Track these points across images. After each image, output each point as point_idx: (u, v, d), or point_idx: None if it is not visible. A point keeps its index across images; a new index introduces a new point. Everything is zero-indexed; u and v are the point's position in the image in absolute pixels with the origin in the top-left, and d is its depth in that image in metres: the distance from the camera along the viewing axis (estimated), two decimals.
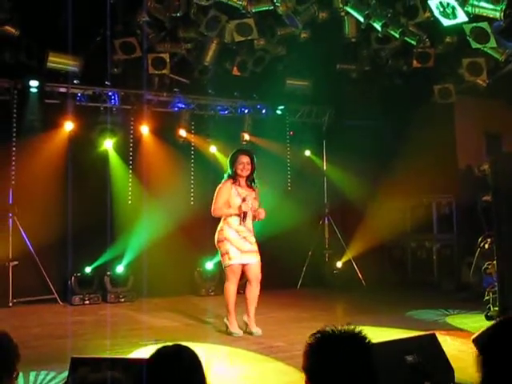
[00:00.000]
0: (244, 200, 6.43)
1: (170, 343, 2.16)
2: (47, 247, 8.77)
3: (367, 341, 1.92)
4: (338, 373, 1.84)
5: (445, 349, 4.14)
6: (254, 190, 6.64)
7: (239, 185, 6.57)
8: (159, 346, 2.15)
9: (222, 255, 6.53)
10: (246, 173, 6.55)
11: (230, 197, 6.51)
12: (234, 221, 6.48)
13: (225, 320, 6.65)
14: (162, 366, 2.05)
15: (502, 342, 1.95)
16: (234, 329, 6.53)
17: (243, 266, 6.51)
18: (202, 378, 2.08)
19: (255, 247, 6.58)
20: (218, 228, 6.57)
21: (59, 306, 8.77)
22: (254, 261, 6.52)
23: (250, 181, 6.64)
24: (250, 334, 6.52)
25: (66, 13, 7.06)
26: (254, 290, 6.56)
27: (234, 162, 6.57)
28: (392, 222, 10.47)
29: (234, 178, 6.56)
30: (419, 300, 8.66)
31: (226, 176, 6.66)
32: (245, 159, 6.56)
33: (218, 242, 6.52)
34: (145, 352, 5.24)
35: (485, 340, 2.02)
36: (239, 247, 6.43)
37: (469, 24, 7.07)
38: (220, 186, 6.59)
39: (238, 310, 6.70)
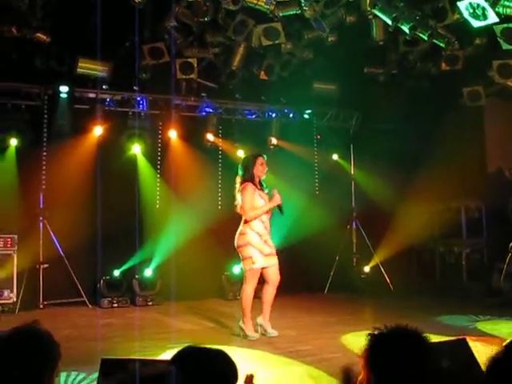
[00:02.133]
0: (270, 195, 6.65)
1: (206, 346, 2.14)
2: (77, 250, 8.86)
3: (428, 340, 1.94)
4: (402, 370, 1.84)
5: (475, 354, 4.06)
6: (273, 200, 6.70)
7: (257, 187, 6.66)
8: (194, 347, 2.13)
9: (244, 259, 6.59)
10: (263, 173, 6.75)
11: (254, 200, 6.59)
12: (257, 224, 6.55)
13: (240, 323, 6.69)
14: (195, 369, 2.03)
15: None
16: (250, 332, 6.58)
17: (263, 268, 6.58)
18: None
19: (274, 250, 6.70)
20: (239, 232, 6.64)
21: (88, 309, 8.86)
22: (273, 263, 6.62)
23: (260, 183, 6.78)
24: (264, 335, 6.56)
25: (95, 19, 7.14)
26: (270, 292, 6.66)
27: (253, 165, 6.69)
28: (420, 227, 10.36)
29: (252, 180, 6.64)
30: (448, 305, 8.53)
31: (243, 177, 6.70)
32: (264, 161, 6.75)
33: (240, 246, 6.59)
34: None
35: None
36: (261, 251, 6.52)
37: (499, 25, 6.97)
38: (243, 189, 6.61)
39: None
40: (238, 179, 6.76)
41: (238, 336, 6.71)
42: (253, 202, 6.56)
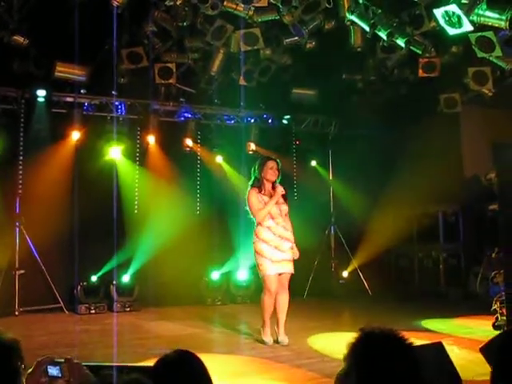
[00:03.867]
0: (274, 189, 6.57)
1: (175, 350, 2.14)
2: (53, 256, 8.80)
3: (409, 342, 1.94)
4: (384, 372, 1.85)
5: (452, 358, 4.11)
6: (275, 194, 6.58)
7: (264, 192, 6.59)
8: (164, 353, 2.13)
9: (257, 266, 6.58)
10: (274, 178, 6.62)
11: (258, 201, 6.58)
12: (263, 232, 6.48)
13: (260, 327, 6.67)
14: (167, 372, 2.04)
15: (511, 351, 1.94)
16: (266, 337, 6.56)
17: (278, 274, 6.49)
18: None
19: (288, 255, 6.54)
20: (252, 240, 6.61)
21: (65, 315, 8.78)
22: (286, 270, 6.52)
23: (273, 185, 6.63)
24: (277, 342, 6.52)
25: (74, 23, 7.12)
26: (281, 299, 6.56)
27: (262, 168, 6.61)
28: (398, 232, 10.44)
29: (260, 183, 6.60)
30: (426, 309, 8.62)
31: (250, 183, 6.68)
32: (274, 165, 6.64)
33: (254, 254, 6.56)
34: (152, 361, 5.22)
35: (494, 350, 2.00)
36: (270, 257, 6.42)
37: (474, 33, 7.08)
38: (248, 195, 6.59)
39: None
40: (249, 185, 6.73)
41: (224, 341, 6.70)
42: (258, 203, 6.51)
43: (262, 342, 6.54)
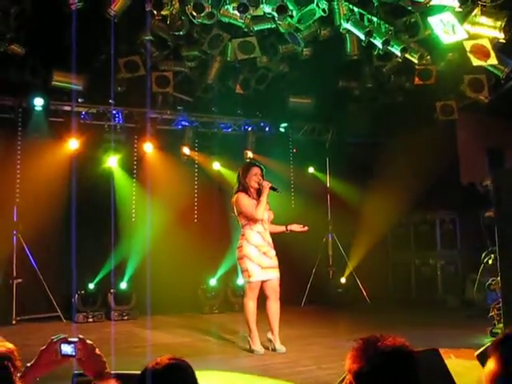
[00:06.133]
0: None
1: (165, 357, 2.13)
2: (51, 264, 8.81)
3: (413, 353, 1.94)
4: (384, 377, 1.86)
5: (449, 365, 4.11)
6: (264, 190, 6.52)
7: (251, 197, 6.55)
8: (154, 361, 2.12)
9: (242, 272, 6.53)
10: (257, 185, 6.54)
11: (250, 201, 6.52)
12: (254, 236, 6.44)
13: (248, 337, 6.57)
14: (156, 380, 2.03)
15: (505, 356, 1.94)
16: (256, 346, 6.45)
17: (263, 282, 6.46)
18: None
19: (275, 262, 6.52)
20: (238, 245, 6.53)
21: (63, 324, 8.76)
22: (273, 276, 6.48)
23: (260, 195, 6.56)
24: (274, 350, 6.45)
25: (71, 32, 7.14)
26: (273, 306, 6.50)
27: (247, 175, 6.56)
28: (396, 239, 10.46)
29: (245, 190, 6.54)
30: (424, 317, 8.61)
31: (236, 189, 6.63)
32: (258, 171, 6.59)
33: (238, 259, 6.49)
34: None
35: (489, 356, 1.99)
36: (259, 263, 6.38)
37: (469, 41, 7.12)
38: (236, 200, 6.52)
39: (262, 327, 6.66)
40: (233, 191, 6.67)
41: (221, 349, 6.68)
42: (251, 203, 6.45)
43: (252, 352, 6.43)
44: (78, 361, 2.34)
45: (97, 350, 2.38)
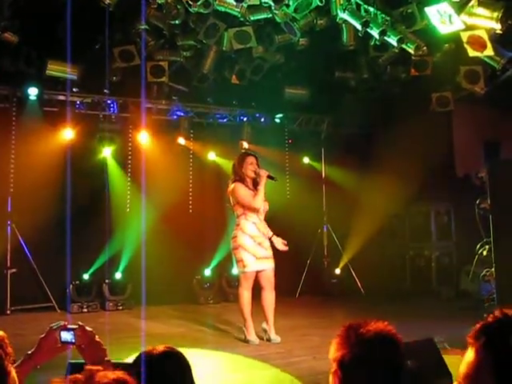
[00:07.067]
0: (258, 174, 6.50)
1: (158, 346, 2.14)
2: (46, 254, 8.76)
3: (396, 338, 1.92)
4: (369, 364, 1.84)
5: (444, 355, 4.13)
6: (261, 178, 6.56)
7: (249, 188, 6.55)
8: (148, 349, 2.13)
9: (237, 262, 6.54)
10: (254, 174, 6.56)
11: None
12: (249, 227, 6.46)
13: (242, 327, 6.61)
14: (150, 367, 2.03)
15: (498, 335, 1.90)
16: (251, 336, 6.48)
17: (257, 272, 6.48)
18: (190, 381, 2.08)
19: (270, 252, 6.57)
20: (232, 235, 6.56)
21: (57, 314, 8.72)
22: (268, 266, 6.52)
23: (256, 184, 6.57)
24: (269, 341, 6.48)
25: (66, 21, 7.08)
26: (269, 296, 6.54)
27: (243, 164, 6.56)
28: (390, 230, 10.48)
29: (242, 180, 6.54)
30: (418, 308, 8.66)
31: (230, 180, 6.65)
32: (254, 160, 6.60)
33: (233, 249, 6.52)
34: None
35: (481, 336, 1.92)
36: (254, 253, 6.41)
37: (466, 31, 7.11)
38: (233, 190, 6.52)
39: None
40: (229, 182, 6.67)
41: (217, 339, 6.71)
42: (248, 192, 6.45)
43: (247, 342, 6.47)
44: (77, 348, 2.34)
45: (97, 338, 2.37)
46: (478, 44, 7.26)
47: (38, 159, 8.84)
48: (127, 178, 9.95)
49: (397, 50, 8.29)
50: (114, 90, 9.50)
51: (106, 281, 9.27)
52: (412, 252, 10.72)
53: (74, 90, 9.36)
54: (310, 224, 10.78)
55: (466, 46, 7.32)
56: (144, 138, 9.89)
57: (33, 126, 8.92)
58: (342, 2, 7.45)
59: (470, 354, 1.82)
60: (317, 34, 8.54)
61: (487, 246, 7.64)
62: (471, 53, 7.41)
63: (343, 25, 8.18)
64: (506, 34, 7.00)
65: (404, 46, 8.03)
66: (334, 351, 1.88)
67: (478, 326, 1.86)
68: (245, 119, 10.83)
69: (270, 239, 6.67)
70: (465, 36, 7.21)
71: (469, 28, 6.99)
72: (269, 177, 6.54)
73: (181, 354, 2.13)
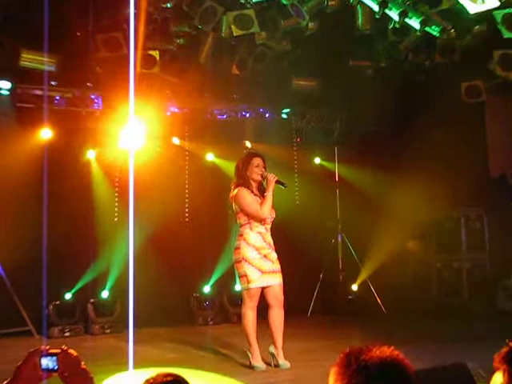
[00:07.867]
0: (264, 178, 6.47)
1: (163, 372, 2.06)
2: (21, 272, 8.66)
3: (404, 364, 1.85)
4: None
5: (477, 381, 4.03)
6: (269, 183, 6.51)
7: (253, 192, 6.51)
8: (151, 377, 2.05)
9: (240, 277, 6.46)
10: (260, 178, 6.53)
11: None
12: (253, 237, 6.40)
13: (247, 351, 6.54)
14: None
15: None
16: (256, 361, 6.41)
17: (263, 288, 6.41)
18: None
19: (277, 266, 6.49)
20: (235, 246, 6.50)
21: (34, 340, 8.59)
22: (275, 282, 6.44)
23: (262, 189, 6.54)
24: (277, 366, 6.41)
25: (43, 5, 7.02)
26: (277, 316, 6.46)
27: (248, 166, 6.52)
28: (414, 240, 10.37)
29: (246, 184, 6.49)
30: (446, 329, 8.59)
31: (232, 183, 6.61)
32: (260, 162, 6.56)
33: (236, 262, 6.46)
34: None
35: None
36: (259, 267, 6.35)
37: (500, 10, 7.03)
38: (236, 196, 6.47)
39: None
40: (232, 185, 6.63)
41: (219, 365, 6.64)
42: (254, 199, 6.40)
43: (253, 368, 6.40)
44: (60, 376, 2.25)
45: (82, 364, 2.29)
46: None
47: (10, 163, 8.70)
48: (115, 183, 9.90)
49: (419, 34, 8.24)
50: (98, 83, 9.46)
51: (91, 300, 9.19)
52: (439, 264, 10.65)
53: (52, 83, 9.29)
54: (323, 233, 10.71)
55: (499, 27, 7.24)
56: (132, 138, 9.79)
57: (4, 124, 8.87)
58: None
59: (498, 379, 1.88)
60: (328, 17, 8.53)
61: None
62: (506, 34, 7.32)
63: (358, 6, 8.20)
64: None
65: (427, 28, 8.00)
66: (332, 382, 1.86)
67: (504, 349, 1.95)
68: (247, 115, 10.85)
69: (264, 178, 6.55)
70: (499, 15, 7.12)
71: (504, 5, 6.90)
72: (278, 182, 6.48)
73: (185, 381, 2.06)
